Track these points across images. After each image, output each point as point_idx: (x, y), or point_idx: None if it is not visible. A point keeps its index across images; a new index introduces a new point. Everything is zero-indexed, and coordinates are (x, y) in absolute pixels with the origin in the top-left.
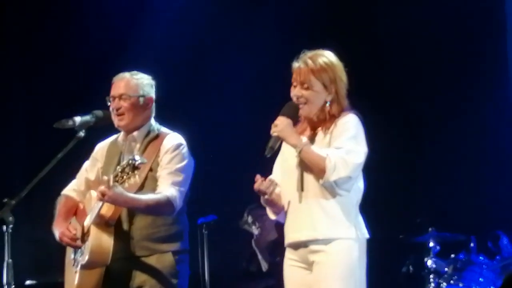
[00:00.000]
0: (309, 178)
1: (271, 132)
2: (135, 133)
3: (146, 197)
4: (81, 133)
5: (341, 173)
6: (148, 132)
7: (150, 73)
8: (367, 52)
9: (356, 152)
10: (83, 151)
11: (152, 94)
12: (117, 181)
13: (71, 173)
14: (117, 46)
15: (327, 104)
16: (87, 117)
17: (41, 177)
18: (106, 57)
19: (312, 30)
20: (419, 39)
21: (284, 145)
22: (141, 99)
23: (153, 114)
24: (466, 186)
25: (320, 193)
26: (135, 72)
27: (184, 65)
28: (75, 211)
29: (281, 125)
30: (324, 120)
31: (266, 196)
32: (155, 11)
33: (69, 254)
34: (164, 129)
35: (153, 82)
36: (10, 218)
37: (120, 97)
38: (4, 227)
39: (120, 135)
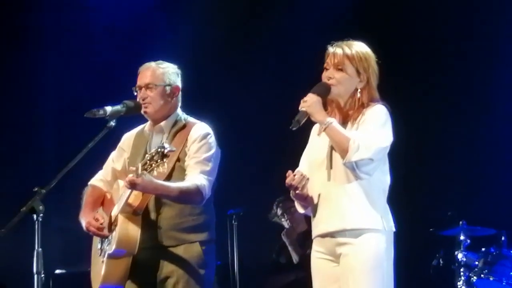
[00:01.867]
0: (337, 168)
1: (300, 107)
2: (162, 123)
3: (176, 184)
4: (112, 123)
5: (363, 154)
6: (175, 122)
7: (178, 62)
8: (394, 44)
9: (380, 136)
10: (113, 140)
11: (178, 83)
12: (145, 169)
13: (102, 163)
14: (144, 36)
15: (358, 91)
16: (117, 107)
17: (72, 167)
18: (133, 47)
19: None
20: (442, 32)
21: (311, 137)
22: (168, 88)
23: (180, 104)
24: (498, 179)
25: (348, 184)
26: (160, 61)
27: (212, 55)
28: (102, 201)
29: (310, 101)
30: (353, 109)
31: (297, 191)
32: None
33: (96, 244)
34: (191, 119)
35: (179, 71)
36: (41, 207)
37: (146, 86)
38: (35, 216)
39: (147, 125)
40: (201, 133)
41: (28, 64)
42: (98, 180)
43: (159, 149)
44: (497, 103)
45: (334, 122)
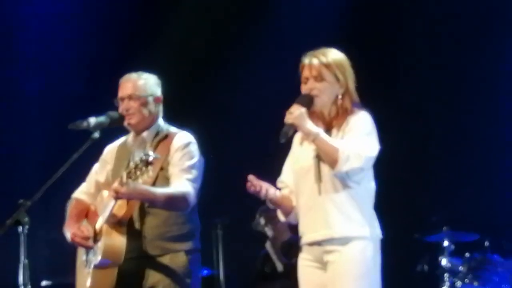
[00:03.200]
0: (324, 178)
1: (286, 119)
2: (144, 134)
3: (162, 190)
4: (96, 134)
5: (354, 164)
6: (157, 132)
7: (162, 72)
8: (380, 51)
9: (368, 144)
10: (98, 151)
11: (160, 93)
12: (130, 178)
13: (86, 174)
14: (127, 44)
15: (339, 97)
16: (101, 118)
17: (56, 178)
18: (117, 57)
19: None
20: (428, 38)
21: (294, 146)
22: (150, 98)
23: (161, 114)
24: (481, 184)
25: (335, 193)
26: (140, 72)
27: (197, 64)
28: (86, 213)
29: (296, 112)
30: (336, 117)
31: (270, 203)
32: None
33: (81, 255)
34: (173, 128)
35: (159, 81)
36: (26, 219)
37: (129, 97)
38: (20, 228)
39: (130, 137)
40: (183, 141)
41: (13, 75)
42: (81, 192)
43: (143, 157)
44: (481, 109)
45: (321, 132)
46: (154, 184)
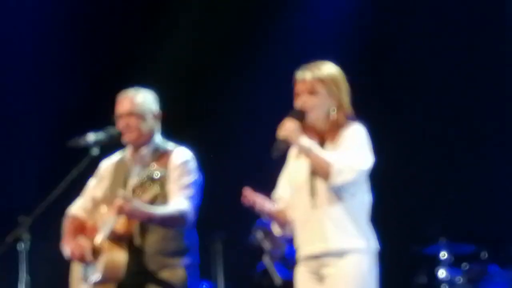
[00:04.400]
0: (319, 191)
1: (278, 134)
2: (143, 150)
3: (161, 210)
4: (95, 151)
5: (347, 177)
6: (156, 148)
7: (160, 85)
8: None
9: (362, 157)
10: (95, 167)
11: (157, 109)
12: (136, 195)
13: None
14: (124, 59)
15: (333, 112)
16: (100, 135)
17: (56, 196)
18: (114, 72)
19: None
20: (429, 42)
21: (290, 158)
22: (149, 115)
23: (159, 128)
24: (477, 195)
25: (330, 206)
26: (137, 88)
27: (195, 77)
28: (82, 229)
29: (288, 127)
30: (330, 130)
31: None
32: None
33: (78, 271)
34: (171, 144)
35: (156, 97)
36: (26, 236)
37: (128, 114)
38: (20, 245)
39: (127, 152)
40: (182, 159)
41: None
42: (77, 208)
43: (149, 174)
44: (477, 121)
45: (314, 146)
46: (153, 200)
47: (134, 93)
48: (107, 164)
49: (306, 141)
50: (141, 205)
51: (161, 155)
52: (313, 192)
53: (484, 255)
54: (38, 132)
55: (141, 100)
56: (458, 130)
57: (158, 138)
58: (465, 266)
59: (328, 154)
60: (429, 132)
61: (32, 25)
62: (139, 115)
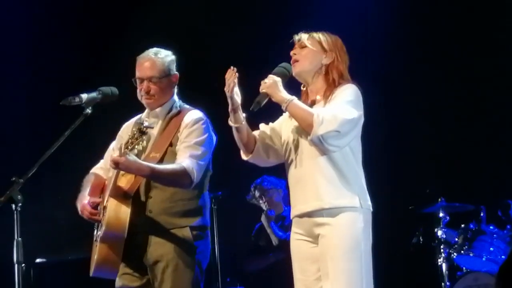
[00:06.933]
0: (308, 148)
1: (260, 89)
2: (157, 110)
3: (162, 166)
4: (88, 110)
5: (329, 127)
6: (171, 109)
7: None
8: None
9: (347, 109)
10: (91, 128)
11: (175, 71)
12: (127, 148)
13: (78, 150)
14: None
15: (323, 65)
16: (93, 94)
17: (49, 155)
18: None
19: None
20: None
21: (283, 116)
22: (169, 78)
23: (176, 90)
24: (475, 155)
25: (321, 162)
26: (157, 49)
27: (197, 41)
28: (102, 188)
29: (269, 82)
30: (323, 89)
31: (227, 91)
32: None
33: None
34: (186, 106)
35: (175, 57)
36: (19, 197)
37: (149, 79)
38: (13, 206)
39: (144, 113)
40: (193, 118)
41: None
42: (98, 168)
43: (138, 127)
44: (476, 83)
45: (295, 99)
46: (162, 159)
47: (155, 56)
48: (127, 125)
49: (286, 95)
50: (138, 160)
51: (174, 116)
52: (302, 149)
53: (482, 215)
54: (31, 92)
55: (161, 64)
56: (459, 91)
57: (175, 99)
58: (462, 226)
59: (310, 108)
60: (429, 94)
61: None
62: (161, 81)
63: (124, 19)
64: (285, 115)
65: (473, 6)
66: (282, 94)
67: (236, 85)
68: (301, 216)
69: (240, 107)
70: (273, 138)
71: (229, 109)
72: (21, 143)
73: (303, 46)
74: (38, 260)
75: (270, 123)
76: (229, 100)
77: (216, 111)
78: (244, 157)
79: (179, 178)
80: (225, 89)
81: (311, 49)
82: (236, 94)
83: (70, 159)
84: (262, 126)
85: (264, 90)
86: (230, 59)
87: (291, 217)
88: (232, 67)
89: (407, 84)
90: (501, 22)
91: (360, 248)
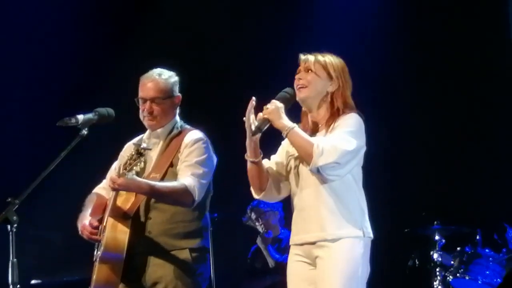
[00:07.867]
0: (309, 176)
1: (262, 114)
2: (159, 130)
3: (163, 183)
4: (84, 131)
5: (329, 158)
6: (172, 129)
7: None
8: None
9: (348, 140)
10: (86, 149)
11: (178, 92)
12: (125, 169)
13: (74, 172)
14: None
15: (328, 93)
16: (89, 115)
17: (45, 176)
18: (107, 54)
19: None
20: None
21: (284, 143)
22: (172, 99)
23: (178, 111)
24: (471, 178)
25: (322, 191)
26: (161, 70)
27: (196, 61)
28: (103, 208)
29: (271, 107)
30: (326, 117)
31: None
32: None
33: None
34: (187, 126)
35: (177, 79)
36: (14, 218)
37: (152, 100)
38: (9, 227)
39: (145, 133)
40: (193, 137)
41: None
42: (101, 188)
43: (136, 148)
44: (470, 104)
45: (296, 127)
46: (163, 179)
47: (158, 77)
48: (128, 145)
49: (288, 122)
50: (137, 178)
51: (175, 136)
52: (303, 178)
53: (478, 238)
54: (27, 112)
55: (165, 86)
56: (453, 112)
57: (177, 119)
58: (458, 249)
59: (310, 137)
60: (424, 114)
61: None
62: (164, 102)
63: (125, 37)
64: (287, 140)
65: (473, 6)
66: (284, 121)
67: (253, 113)
68: (302, 244)
69: (258, 141)
70: (281, 172)
71: (247, 143)
72: (17, 163)
73: (309, 69)
74: (33, 282)
75: (272, 157)
76: (247, 132)
77: (216, 131)
78: (255, 195)
79: (180, 196)
80: (244, 118)
81: (318, 76)
82: (253, 123)
83: (66, 179)
84: (265, 162)
85: (265, 116)
86: (232, 75)
87: (291, 243)
88: (252, 97)
89: (400, 106)
90: (501, 23)
91: (357, 273)
